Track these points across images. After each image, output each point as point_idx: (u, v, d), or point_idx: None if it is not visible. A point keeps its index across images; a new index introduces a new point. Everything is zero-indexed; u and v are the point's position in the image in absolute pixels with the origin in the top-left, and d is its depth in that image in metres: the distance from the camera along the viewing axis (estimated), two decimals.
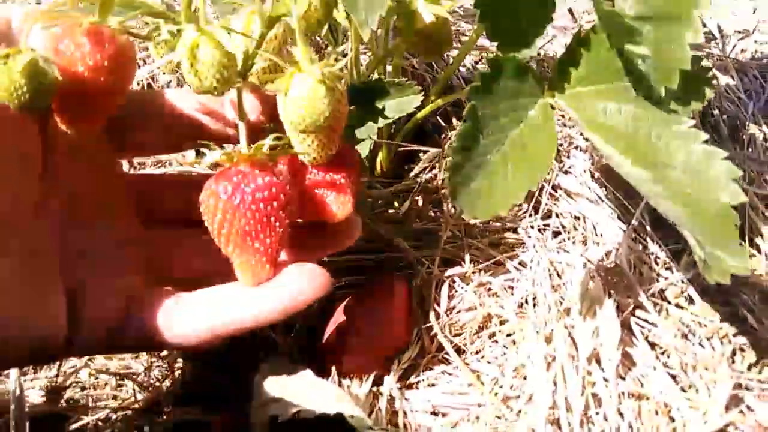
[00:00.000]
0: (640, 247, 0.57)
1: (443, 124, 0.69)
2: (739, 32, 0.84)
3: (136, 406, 0.50)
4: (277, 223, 0.37)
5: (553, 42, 0.78)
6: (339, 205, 0.41)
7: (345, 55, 0.61)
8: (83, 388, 0.52)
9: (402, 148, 0.62)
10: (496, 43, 0.43)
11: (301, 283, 0.37)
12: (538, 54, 0.76)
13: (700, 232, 0.39)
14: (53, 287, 0.37)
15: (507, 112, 0.41)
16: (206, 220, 0.37)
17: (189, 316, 0.38)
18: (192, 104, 0.43)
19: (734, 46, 0.78)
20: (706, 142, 0.42)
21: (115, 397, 0.51)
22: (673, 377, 0.48)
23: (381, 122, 0.56)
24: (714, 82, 0.48)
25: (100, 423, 0.49)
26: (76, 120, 0.35)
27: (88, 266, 0.39)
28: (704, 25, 0.80)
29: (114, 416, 0.50)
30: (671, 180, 0.41)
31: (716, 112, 0.67)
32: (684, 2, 0.42)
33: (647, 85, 0.43)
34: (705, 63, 0.47)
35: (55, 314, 0.37)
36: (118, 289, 0.40)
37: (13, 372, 0.46)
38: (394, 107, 0.57)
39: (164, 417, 0.49)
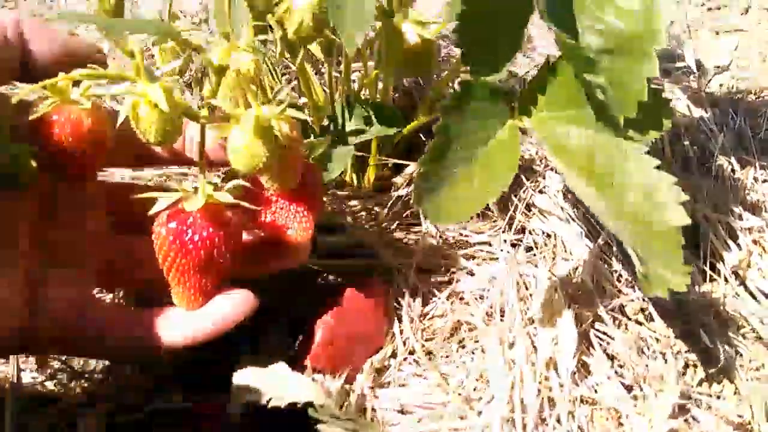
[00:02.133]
0: (605, 265, 0.60)
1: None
2: (718, 67, 0.88)
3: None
4: (215, 269, 0.42)
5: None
6: (299, 232, 0.45)
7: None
8: (52, 376, 0.55)
9: (391, 163, 0.66)
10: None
11: (225, 309, 0.43)
12: (523, 81, 0.80)
13: (646, 250, 0.42)
14: (13, 276, 0.40)
15: (476, 131, 0.44)
16: (155, 247, 0.41)
17: (141, 328, 0.42)
18: None
19: (710, 80, 0.82)
20: (658, 167, 0.46)
21: (88, 388, 0.54)
22: (627, 387, 0.51)
23: (351, 143, 0.59)
24: (677, 114, 0.52)
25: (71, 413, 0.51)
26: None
27: (51, 258, 0.43)
28: (683, 60, 0.84)
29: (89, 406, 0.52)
30: (623, 201, 0.44)
31: (687, 142, 0.71)
32: (643, 39, 0.46)
33: (608, 114, 0.47)
34: (666, 95, 0.51)
35: (13, 301, 0.40)
36: (78, 283, 0.43)
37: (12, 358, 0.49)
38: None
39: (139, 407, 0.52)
